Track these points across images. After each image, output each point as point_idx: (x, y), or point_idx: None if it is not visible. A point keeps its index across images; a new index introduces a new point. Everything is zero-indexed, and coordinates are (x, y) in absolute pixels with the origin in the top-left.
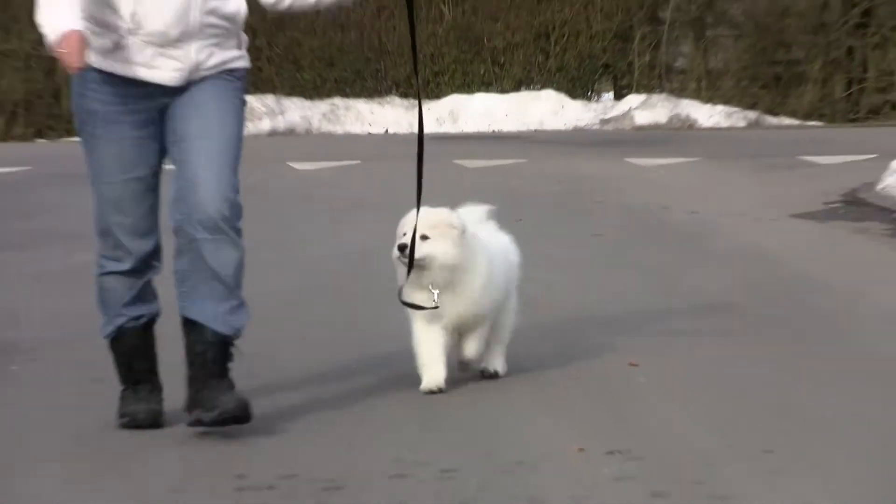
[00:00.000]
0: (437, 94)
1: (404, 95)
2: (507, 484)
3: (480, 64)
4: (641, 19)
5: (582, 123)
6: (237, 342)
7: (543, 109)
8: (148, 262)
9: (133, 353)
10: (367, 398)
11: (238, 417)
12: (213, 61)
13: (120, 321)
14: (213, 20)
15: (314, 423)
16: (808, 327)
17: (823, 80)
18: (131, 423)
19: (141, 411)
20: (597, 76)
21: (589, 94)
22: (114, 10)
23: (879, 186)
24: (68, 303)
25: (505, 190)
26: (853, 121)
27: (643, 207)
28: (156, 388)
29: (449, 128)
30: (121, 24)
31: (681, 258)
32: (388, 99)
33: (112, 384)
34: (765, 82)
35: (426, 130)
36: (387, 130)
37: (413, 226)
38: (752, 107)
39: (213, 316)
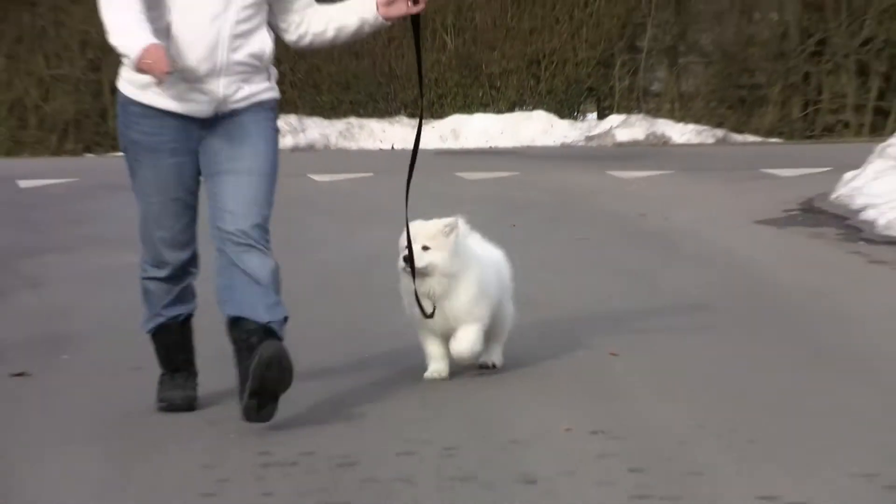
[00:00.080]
0: (440, 114)
1: (412, 115)
2: (502, 460)
3: (479, 88)
4: (621, 48)
5: (569, 140)
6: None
7: (535, 128)
8: (185, 269)
9: (171, 345)
10: (376, 386)
11: (278, 360)
12: (240, 94)
13: (160, 320)
14: (240, 58)
15: (330, 408)
16: (770, 321)
17: (783, 101)
18: (169, 407)
19: (178, 397)
20: (582, 98)
21: (575, 114)
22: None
23: (833, 196)
24: (113, 299)
25: (501, 199)
26: (809, 138)
27: (623, 215)
28: (191, 374)
29: (451, 144)
30: None
31: (656, 260)
32: (397, 118)
33: (151, 373)
34: (731, 104)
35: (430, 146)
36: (393, 146)
37: (411, 238)
38: (719, 125)
39: (252, 308)
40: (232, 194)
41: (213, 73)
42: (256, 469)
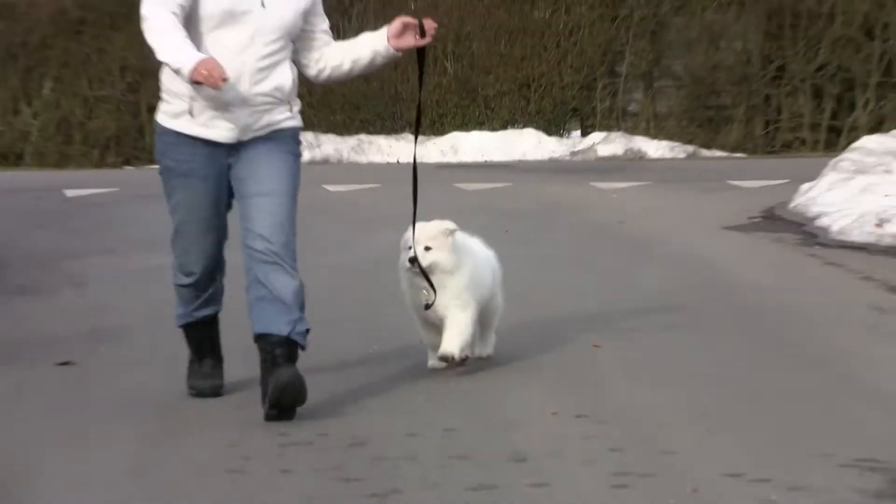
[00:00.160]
0: (441, 132)
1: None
2: (496, 440)
3: (476, 108)
4: (602, 73)
5: (556, 155)
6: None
7: (525, 144)
8: (212, 277)
9: (200, 339)
10: (384, 376)
11: (292, 384)
12: (261, 123)
13: (189, 319)
14: (262, 90)
15: (343, 395)
16: (736, 317)
17: (746, 120)
18: (198, 394)
19: (206, 386)
20: (567, 118)
21: (561, 132)
22: (182, 80)
23: (791, 205)
24: (147, 296)
25: (495, 207)
26: (770, 153)
27: (604, 222)
28: (218, 362)
29: (450, 158)
30: (186, 92)
31: (634, 263)
32: (402, 136)
33: (184, 363)
34: (700, 123)
35: (432, 160)
36: (398, 160)
37: (415, 239)
38: (690, 142)
39: (277, 324)
40: (259, 217)
41: (237, 102)
42: (276, 448)
